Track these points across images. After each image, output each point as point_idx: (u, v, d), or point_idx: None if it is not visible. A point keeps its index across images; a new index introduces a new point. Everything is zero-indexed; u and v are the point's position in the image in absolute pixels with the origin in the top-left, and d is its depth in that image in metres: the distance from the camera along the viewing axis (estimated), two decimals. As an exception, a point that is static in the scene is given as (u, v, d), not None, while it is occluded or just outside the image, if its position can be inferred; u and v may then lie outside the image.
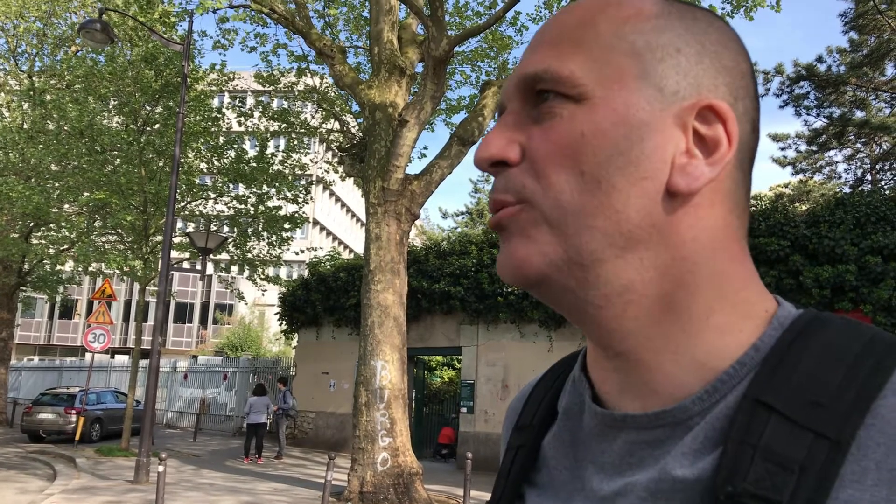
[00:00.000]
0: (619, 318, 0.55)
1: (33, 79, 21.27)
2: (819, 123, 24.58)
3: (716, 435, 0.50)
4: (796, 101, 23.96)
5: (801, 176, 28.46)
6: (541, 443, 0.66)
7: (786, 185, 31.33)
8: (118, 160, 17.04)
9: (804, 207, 14.47)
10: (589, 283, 0.54)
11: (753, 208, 14.16)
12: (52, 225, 20.11)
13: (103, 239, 19.57)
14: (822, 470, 0.45)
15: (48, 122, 18.69)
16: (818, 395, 0.47)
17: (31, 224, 21.07)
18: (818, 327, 0.52)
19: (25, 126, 20.02)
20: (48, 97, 18.76)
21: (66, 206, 19.02)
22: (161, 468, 8.88)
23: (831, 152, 26.57)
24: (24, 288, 23.74)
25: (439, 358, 21.25)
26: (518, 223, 0.55)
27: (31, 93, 19.58)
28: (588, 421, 0.60)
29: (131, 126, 16.89)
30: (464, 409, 16.08)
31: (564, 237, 0.53)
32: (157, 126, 17.00)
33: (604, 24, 0.56)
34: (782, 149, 26.99)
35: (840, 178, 27.77)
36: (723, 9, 13.31)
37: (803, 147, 26.54)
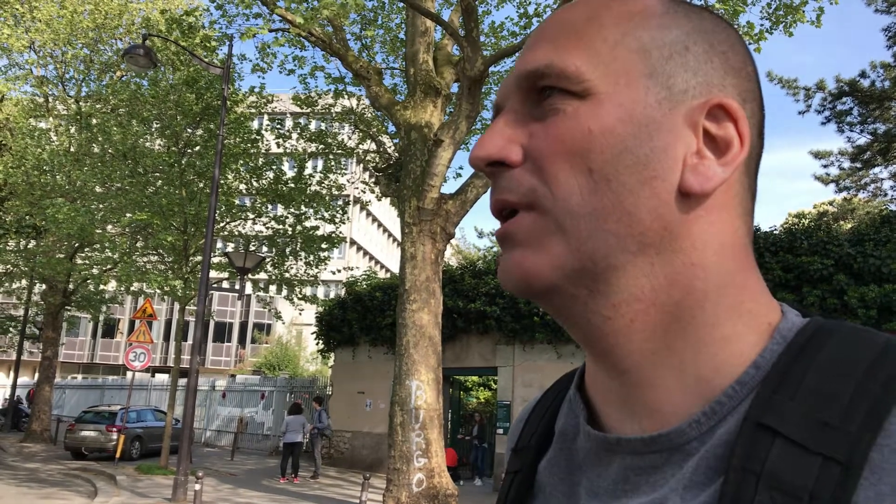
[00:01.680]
0: (626, 330, 0.52)
1: (80, 103, 21.91)
2: (863, 140, 24.08)
3: (717, 463, 0.47)
4: (839, 117, 23.52)
5: (844, 194, 27.86)
6: (537, 466, 0.63)
7: (829, 203, 30.71)
8: (160, 182, 17.40)
9: (848, 226, 14.15)
10: (599, 292, 0.52)
11: (796, 227, 13.88)
12: (95, 245, 20.61)
13: (145, 259, 19.94)
14: (834, 497, 0.41)
15: (93, 145, 19.18)
16: (825, 414, 0.44)
17: (76, 245, 21.60)
18: (823, 339, 0.48)
19: (72, 149, 20.60)
20: (94, 121, 19.27)
21: (110, 227, 19.44)
22: (198, 486, 8.94)
23: (876, 169, 25.97)
24: (68, 307, 24.29)
25: (475, 378, 21.13)
26: (528, 232, 0.53)
27: (78, 117, 20.16)
28: (583, 444, 0.57)
29: (172, 148, 17.24)
30: (500, 431, 15.94)
31: (577, 243, 0.51)
32: (197, 148, 17.33)
33: (608, 19, 0.54)
34: (825, 166, 26.49)
35: (885, 195, 27.10)
36: (761, 24, 13.15)
37: (846, 164, 26.00)
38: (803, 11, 12.35)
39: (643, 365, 0.52)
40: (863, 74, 22.98)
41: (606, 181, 0.50)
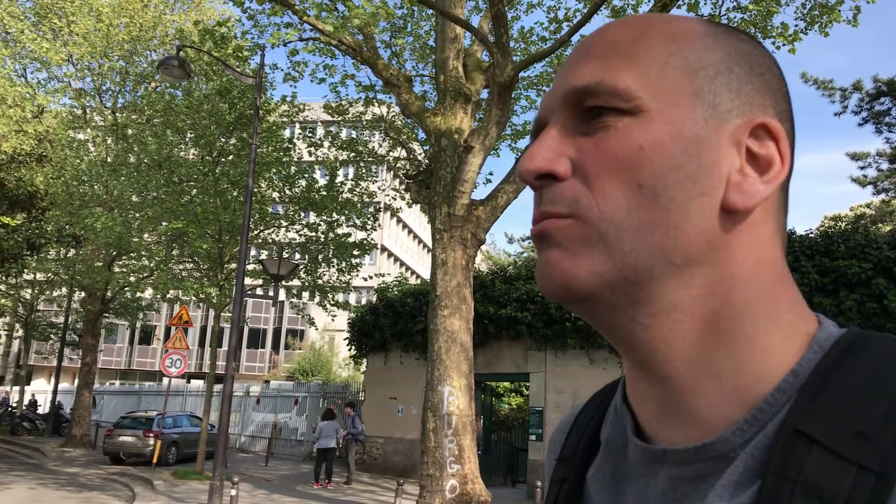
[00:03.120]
0: (665, 339, 0.53)
1: (116, 114, 22.37)
2: (901, 140, 23.58)
3: (756, 466, 0.48)
4: (876, 118, 23.07)
5: (883, 195, 27.30)
6: (584, 475, 0.64)
7: (867, 206, 30.11)
8: (194, 191, 17.66)
9: (887, 228, 13.87)
10: (639, 302, 0.53)
11: (832, 230, 13.63)
12: (132, 254, 20.97)
13: (180, 267, 20.25)
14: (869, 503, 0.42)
15: (129, 155, 19.57)
16: (862, 424, 0.45)
17: (114, 253, 22.02)
18: (861, 350, 0.50)
19: (109, 159, 21.02)
20: (130, 131, 19.69)
21: (146, 235, 19.79)
22: (234, 492, 9.03)
23: (916, 170, 25.41)
24: (106, 315, 24.75)
25: (507, 384, 21.07)
26: (566, 236, 0.54)
27: (115, 128, 20.60)
28: (631, 454, 0.58)
29: (206, 157, 17.50)
30: (532, 437, 15.87)
31: (620, 254, 0.52)
32: (231, 157, 17.57)
33: (655, 39, 0.55)
34: (862, 168, 26.00)
35: (925, 196, 26.50)
36: (796, 25, 12.98)
37: (885, 165, 25.48)
38: (839, 11, 12.17)
39: (683, 373, 0.53)
40: (901, 73, 22.47)
41: (655, 196, 0.52)
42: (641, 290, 0.52)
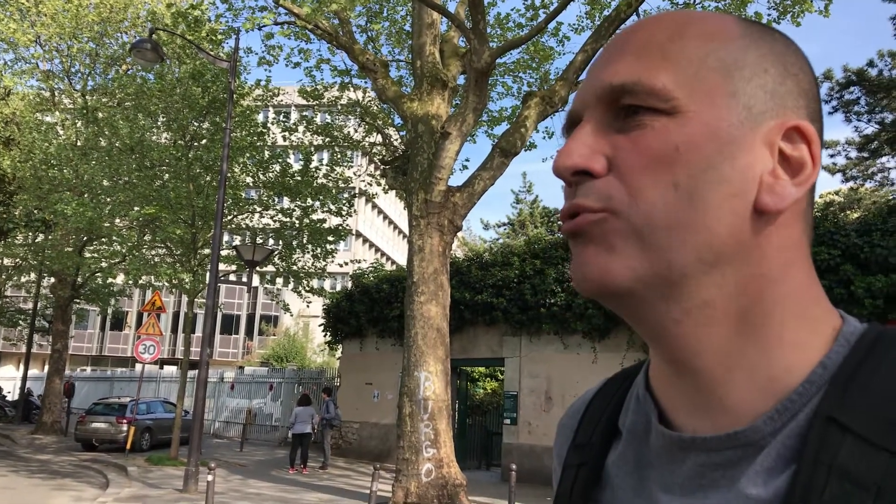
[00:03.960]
0: (696, 334, 0.55)
1: (86, 97, 21.97)
2: (870, 129, 23.97)
3: (788, 453, 0.50)
4: (846, 106, 23.42)
5: (851, 183, 27.76)
6: (603, 461, 0.65)
7: (836, 193, 30.62)
8: (167, 175, 17.46)
9: (855, 215, 14.13)
10: (672, 298, 0.54)
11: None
12: (104, 239, 20.71)
13: (153, 252, 20.03)
14: None
15: (100, 139, 19.25)
16: (893, 413, 0.47)
17: (85, 238, 21.72)
18: (887, 344, 0.52)
19: (79, 143, 20.66)
20: (100, 115, 19.32)
21: (118, 220, 19.53)
22: (210, 477, 9.03)
23: (883, 158, 25.86)
24: (77, 300, 24.44)
25: (482, 369, 21.21)
26: (601, 232, 0.55)
27: (85, 111, 20.22)
28: (655, 442, 0.60)
29: (179, 142, 17.30)
30: (507, 421, 16.01)
31: (655, 251, 0.53)
32: (204, 142, 17.38)
33: (691, 39, 0.56)
34: (831, 156, 26.38)
35: (893, 185, 27.00)
36: (769, 14, 13.13)
37: (853, 154, 25.90)
38: (811, 1, 12.32)
39: (714, 366, 0.55)
40: (870, 64, 22.87)
41: (690, 196, 0.52)
42: (675, 287, 0.54)
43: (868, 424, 0.47)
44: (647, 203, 0.53)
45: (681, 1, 14.52)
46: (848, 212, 24.49)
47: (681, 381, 0.57)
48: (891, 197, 25.32)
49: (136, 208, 17.38)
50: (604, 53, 0.60)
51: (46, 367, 24.46)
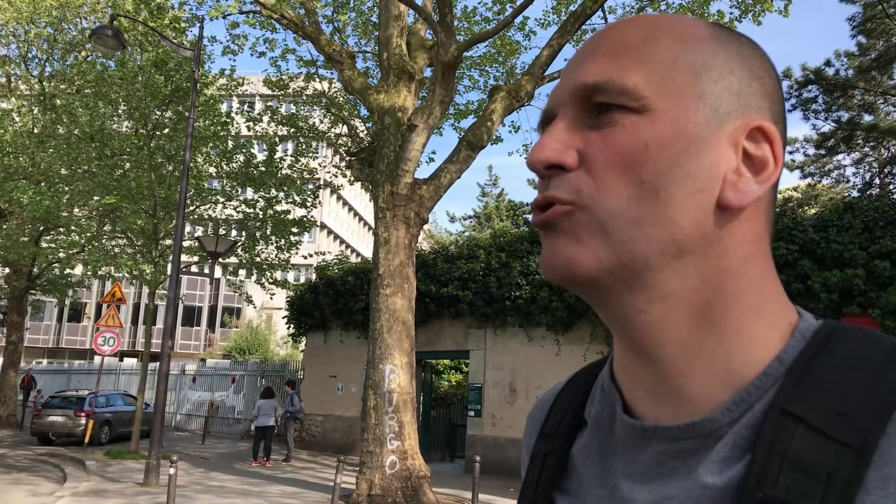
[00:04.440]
0: (659, 323, 0.57)
1: (44, 83, 21.43)
2: (827, 127, 24.55)
3: (744, 443, 0.53)
4: (804, 105, 23.92)
5: (809, 180, 28.41)
6: (569, 450, 0.68)
7: (794, 189, 31.29)
8: (128, 164, 17.15)
9: (812, 211, 14.46)
10: (636, 288, 0.57)
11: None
12: (62, 229, 20.25)
13: (113, 243, 19.67)
14: (848, 478, 0.47)
15: (58, 126, 18.81)
16: (843, 405, 0.50)
17: (41, 228, 21.22)
18: (839, 339, 0.55)
19: (36, 130, 20.17)
20: (58, 102, 18.88)
21: (77, 210, 19.13)
22: (172, 471, 8.93)
23: (839, 156, 26.51)
24: (33, 291, 23.88)
25: (447, 361, 21.27)
26: (569, 224, 0.57)
27: (42, 97, 19.72)
28: (618, 431, 0.62)
29: (141, 131, 17.00)
30: (471, 413, 16.10)
31: (619, 243, 0.55)
32: (166, 131, 17.10)
33: (663, 41, 0.58)
34: (790, 153, 26.94)
35: (848, 181, 27.70)
36: (731, 13, 13.33)
37: (811, 151, 26.50)
38: (771, 1, 12.54)
39: (675, 356, 0.57)
40: (828, 63, 23.39)
41: (655, 192, 0.55)
42: (639, 278, 0.56)
43: (820, 416, 0.50)
44: (613, 197, 0.56)
45: (646, -2, 14.66)
46: (806, 207, 25.04)
47: (643, 370, 0.59)
48: (846, 194, 25.95)
49: (95, 198, 17.06)
50: (579, 54, 0.62)
51: (1, 360, 23.86)
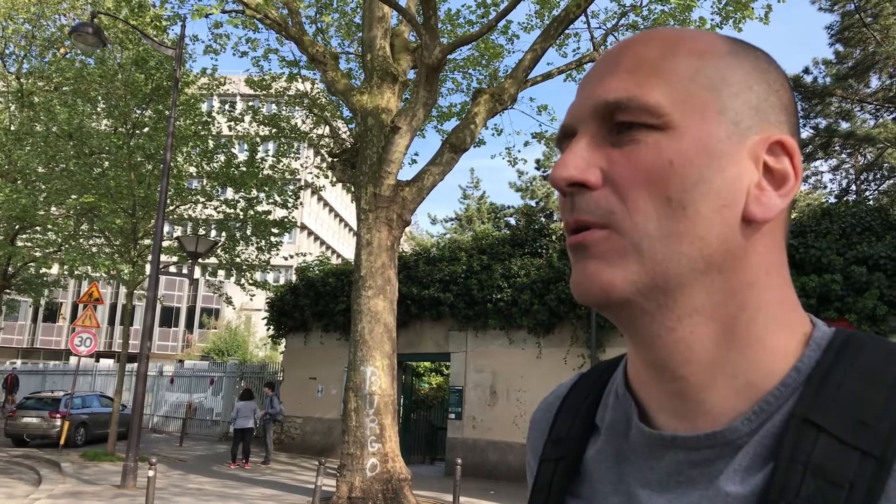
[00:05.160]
0: (687, 340, 0.57)
1: (21, 80, 21.14)
2: (805, 134, 24.83)
3: (764, 452, 0.53)
4: (783, 111, 24.12)
5: (786, 186, 28.64)
6: (582, 456, 0.68)
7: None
8: (107, 163, 16.95)
9: (791, 217, 14.62)
10: (667, 306, 0.57)
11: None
12: (38, 227, 19.99)
13: (90, 242, 19.44)
14: (870, 486, 0.48)
15: (36, 124, 18.57)
16: (864, 415, 0.51)
17: (17, 226, 20.92)
18: (855, 348, 0.56)
19: (13, 128, 19.89)
20: (36, 99, 18.64)
21: (54, 208, 18.88)
22: (151, 473, 8.84)
23: (817, 162, 26.85)
24: (8, 290, 23.52)
25: (427, 364, 21.25)
26: (603, 248, 0.57)
27: (20, 94, 19.46)
28: (634, 439, 0.62)
29: (121, 129, 16.82)
30: (452, 416, 16.09)
31: (652, 263, 0.56)
32: (146, 130, 16.93)
33: (682, 57, 0.59)
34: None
35: (826, 188, 28.08)
36: (712, 20, 13.46)
37: (789, 157, 26.73)
38: (752, 8, 12.68)
39: (699, 372, 0.57)
40: (806, 71, 23.68)
41: (683, 208, 0.55)
42: (670, 295, 0.57)
43: (840, 425, 0.50)
44: (643, 216, 0.56)
45: (627, 3, 14.76)
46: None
47: (664, 384, 0.60)
48: (824, 200, 26.29)
49: (73, 196, 16.84)
50: (597, 68, 0.62)
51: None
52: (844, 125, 24.41)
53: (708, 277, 0.56)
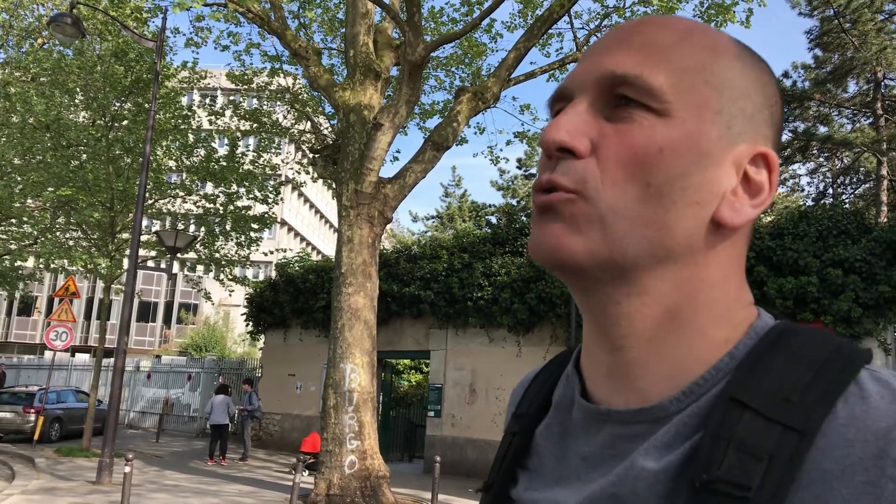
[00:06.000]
0: (630, 315, 0.59)
1: (-3, 70, 20.83)
2: (784, 137, 25.06)
3: (687, 431, 0.55)
4: (762, 114, 24.37)
5: (765, 188, 28.94)
6: (534, 431, 0.71)
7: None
8: (84, 156, 16.75)
9: (769, 219, 14.76)
10: (618, 282, 0.59)
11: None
12: (13, 220, 19.72)
13: (67, 235, 19.21)
14: (790, 458, 0.49)
15: (12, 115, 18.31)
16: (788, 392, 0.52)
17: (-9, 219, 20.62)
18: (789, 336, 0.57)
19: (-12, 118, 19.59)
20: (12, 90, 18.37)
21: (30, 201, 18.63)
22: (128, 469, 8.76)
23: (795, 165, 27.17)
24: (-19, 284, 23.19)
25: (407, 361, 21.24)
26: (570, 212, 0.58)
27: (-5, 84, 19.17)
28: (576, 414, 0.65)
29: (99, 122, 16.62)
30: (431, 413, 16.09)
31: (614, 239, 0.57)
32: (125, 122, 16.74)
33: (694, 49, 0.59)
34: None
35: (803, 191, 28.41)
36: (694, 23, 13.52)
37: (768, 160, 27.02)
38: (734, 12, 12.78)
39: (636, 347, 0.59)
40: (785, 75, 23.94)
41: (659, 196, 0.56)
42: (624, 274, 0.58)
43: (765, 402, 0.52)
44: (618, 193, 0.57)
45: (611, 4, 14.81)
46: (762, 216, 25.58)
47: (605, 356, 0.62)
48: (801, 202, 26.59)
49: (50, 189, 16.62)
50: (607, 40, 0.63)
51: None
52: (822, 129, 24.72)
53: (664, 266, 0.58)
